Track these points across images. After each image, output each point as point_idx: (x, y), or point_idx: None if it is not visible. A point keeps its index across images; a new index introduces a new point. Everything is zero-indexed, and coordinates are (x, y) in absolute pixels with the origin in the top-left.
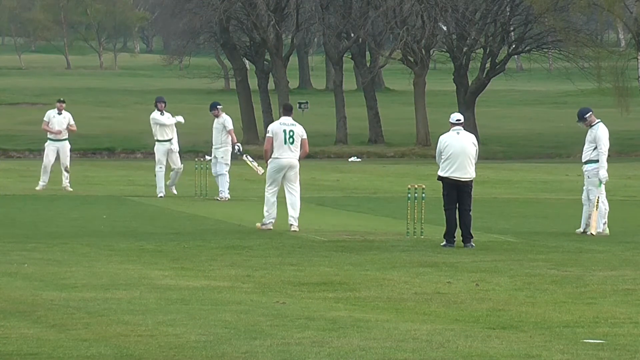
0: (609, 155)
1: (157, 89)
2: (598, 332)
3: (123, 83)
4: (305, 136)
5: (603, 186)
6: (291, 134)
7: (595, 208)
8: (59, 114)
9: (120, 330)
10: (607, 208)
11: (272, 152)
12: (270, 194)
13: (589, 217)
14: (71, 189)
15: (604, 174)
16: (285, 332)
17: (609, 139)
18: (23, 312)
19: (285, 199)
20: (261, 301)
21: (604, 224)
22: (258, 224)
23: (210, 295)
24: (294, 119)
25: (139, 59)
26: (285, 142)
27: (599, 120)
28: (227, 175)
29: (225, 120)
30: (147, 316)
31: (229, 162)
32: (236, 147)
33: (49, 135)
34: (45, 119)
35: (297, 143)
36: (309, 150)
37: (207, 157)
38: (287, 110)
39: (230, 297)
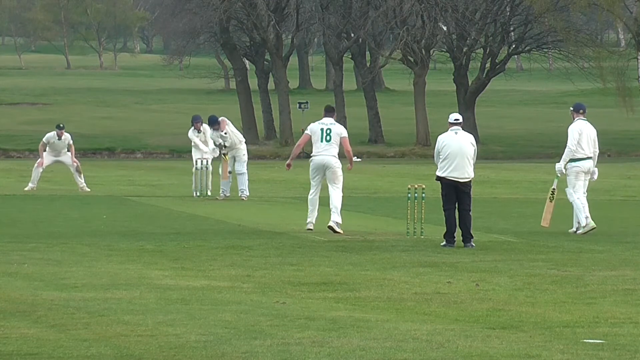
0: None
1: (157, 89)
2: (598, 332)
3: (123, 83)
4: (344, 135)
5: (578, 183)
6: (328, 132)
7: (548, 200)
8: (59, 139)
9: (120, 330)
10: (585, 203)
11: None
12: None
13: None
14: (89, 189)
15: (559, 166)
16: (285, 332)
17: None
18: (23, 312)
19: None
20: (261, 301)
21: (587, 218)
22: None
23: (210, 295)
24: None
25: (139, 59)
26: (322, 140)
27: (582, 119)
28: (247, 174)
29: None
30: (147, 316)
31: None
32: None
33: (48, 151)
34: (44, 140)
35: (335, 141)
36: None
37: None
38: (328, 112)
39: (230, 297)
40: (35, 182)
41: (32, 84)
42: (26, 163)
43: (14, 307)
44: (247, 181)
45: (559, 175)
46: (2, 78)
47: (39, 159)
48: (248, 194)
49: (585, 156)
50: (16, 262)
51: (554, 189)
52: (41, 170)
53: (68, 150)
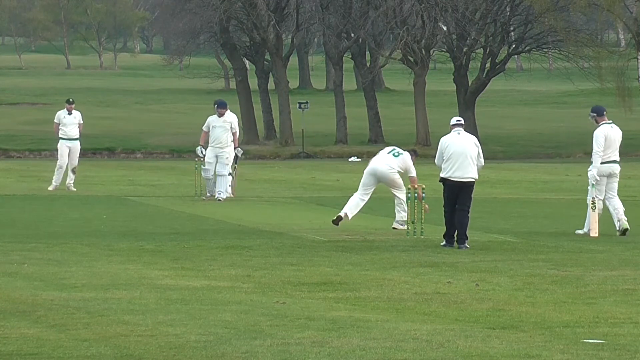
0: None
1: (157, 89)
2: (598, 332)
3: (123, 83)
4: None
5: (599, 187)
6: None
7: (591, 209)
8: (69, 114)
9: (120, 330)
10: (601, 211)
11: None
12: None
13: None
14: (74, 189)
15: (592, 174)
16: (285, 332)
17: (610, 140)
18: (23, 312)
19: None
20: (261, 301)
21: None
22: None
23: (210, 295)
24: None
25: (139, 59)
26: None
27: (607, 122)
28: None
29: (232, 121)
30: (147, 316)
31: (229, 163)
32: (238, 152)
33: (60, 135)
34: (55, 120)
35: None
36: None
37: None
38: None
39: (230, 297)
40: (58, 182)
41: (32, 84)
42: (26, 163)
43: (14, 307)
44: (227, 183)
45: (592, 182)
46: (2, 78)
47: (58, 160)
48: (224, 196)
49: (606, 160)
50: (16, 262)
51: (593, 197)
52: (62, 170)
53: (77, 138)
